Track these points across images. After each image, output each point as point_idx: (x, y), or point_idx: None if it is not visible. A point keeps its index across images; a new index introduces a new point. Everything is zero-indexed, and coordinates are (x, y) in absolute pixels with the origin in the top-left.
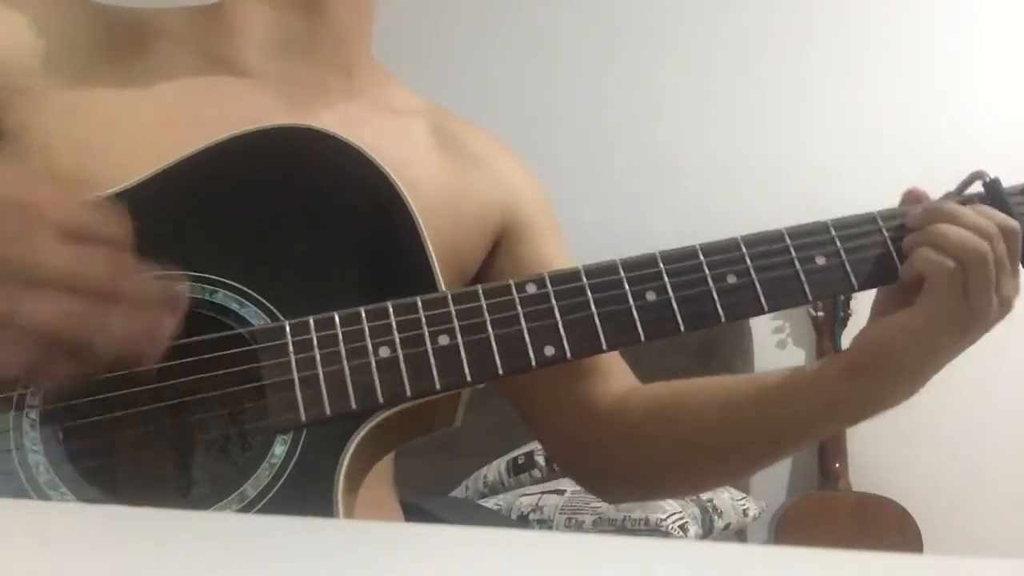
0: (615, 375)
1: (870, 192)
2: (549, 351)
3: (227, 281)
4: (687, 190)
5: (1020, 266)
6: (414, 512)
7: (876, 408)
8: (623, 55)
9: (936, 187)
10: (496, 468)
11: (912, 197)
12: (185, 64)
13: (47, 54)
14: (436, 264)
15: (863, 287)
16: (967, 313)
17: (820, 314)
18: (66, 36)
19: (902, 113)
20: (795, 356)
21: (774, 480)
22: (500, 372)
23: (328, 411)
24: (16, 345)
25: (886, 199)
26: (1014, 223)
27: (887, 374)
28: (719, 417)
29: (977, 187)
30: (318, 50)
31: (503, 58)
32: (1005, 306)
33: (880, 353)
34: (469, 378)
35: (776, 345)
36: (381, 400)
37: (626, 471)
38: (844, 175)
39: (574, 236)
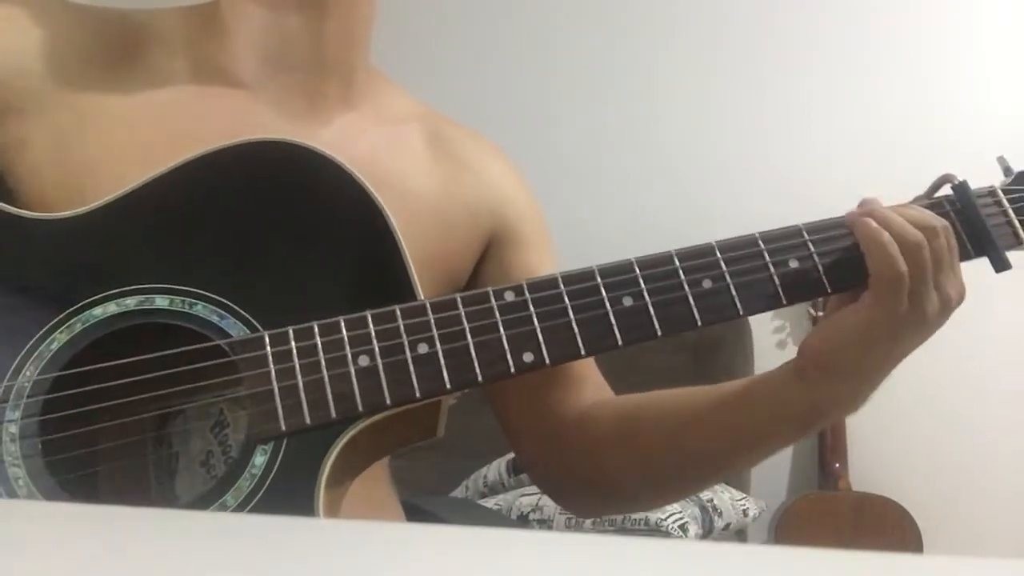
0: (587, 386)
1: (870, 193)
2: (528, 357)
3: (207, 293)
4: (687, 190)
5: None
6: (414, 512)
7: (825, 414)
8: (623, 55)
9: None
10: (496, 468)
11: (868, 204)
12: (179, 75)
13: (40, 71)
14: (415, 274)
15: (836, 290)
16: (907, 310)
17: (820, 314)
18: (59, 50)
19: (902, 113)
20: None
21: (774, 480)
22: (480, 379)
23: (308, 420)
24: None
25: (886, 199)
26: (943, 221)
27: (831, 374)
28: (677, 429)
29: (946, 190)
30: (316, 56)
31: (503, 59)
32: (946, 305)
33: (822, 352)
34: (449, 385)
35: (776, 345)
36: (361, 409)
37: (592, 484)
38: (844, 176)
39: (573, 236)
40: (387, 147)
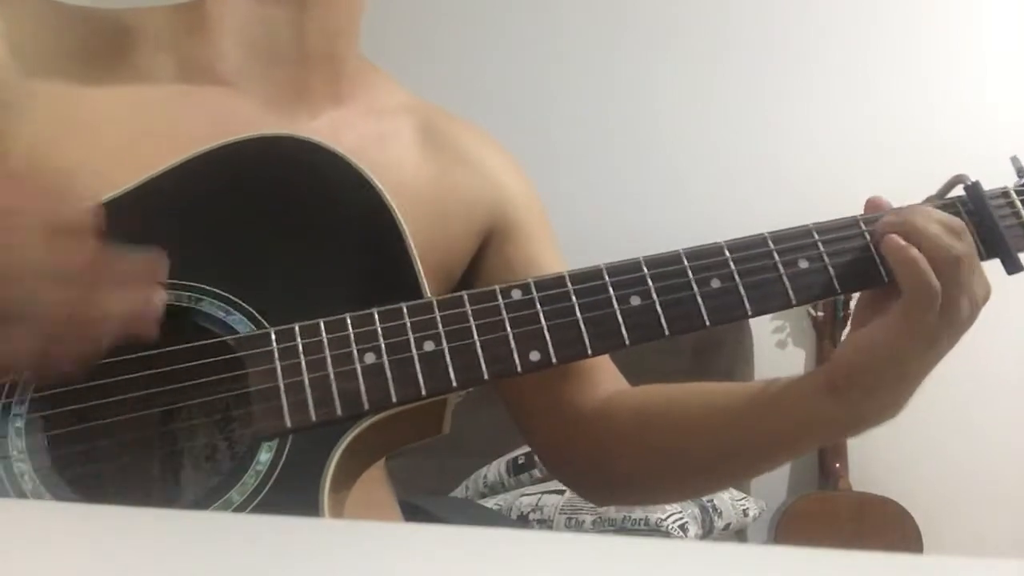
0: (603, 378)
1: (870, 193)
2: (535, 356)
3: (213, 289)
4: (687, 190)
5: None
6: (414, 512)
7: (860, 424)
8: (624, 55)
9: (935, 187)
10: (496, 468)
11: (874, 205)
12: (164, 73)
13: (27, 67)
14: (421, 270)
15: (846, 290)
16: (941, 322)
17: (820, 314)
18: (44, 47)
19: (903, 113)
20: (795, 356)
21: (774, 480)
22: (485, 377)
23: (313, 417)
24: (19, 338)
25: (889, 198)
26: (960, 222)
27: (865, 389)
28: (702, 427)
29: (959, 191)
30: (301, 49)
31: (504, 58)
32: (975, 307)
33: (855, 367)
34: (455, 383)
35: (776, 345)
36: (366, 406)
37: (609, 475)
38: (844, 175)
39: (573, 236)
40: (376, 140)
